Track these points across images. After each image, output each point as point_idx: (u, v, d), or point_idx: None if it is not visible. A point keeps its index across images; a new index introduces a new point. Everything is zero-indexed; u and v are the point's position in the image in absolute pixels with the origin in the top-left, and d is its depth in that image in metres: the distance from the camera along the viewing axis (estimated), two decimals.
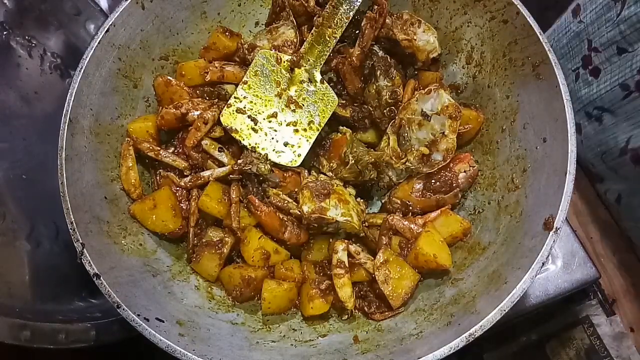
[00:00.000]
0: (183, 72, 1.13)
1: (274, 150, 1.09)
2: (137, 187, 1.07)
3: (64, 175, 0.95)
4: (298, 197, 1.04)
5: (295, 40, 1.14)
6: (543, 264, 0.86)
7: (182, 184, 1.08)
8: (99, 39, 1.03)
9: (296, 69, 1.10)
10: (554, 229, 0.88)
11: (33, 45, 1.33)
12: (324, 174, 1.12)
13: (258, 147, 1.09)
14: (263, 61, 1.11)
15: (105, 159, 1.05)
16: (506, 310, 0.84)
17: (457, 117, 1.04)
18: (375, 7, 1.08)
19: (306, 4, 1.12)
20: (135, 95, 1.13)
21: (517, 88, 1.07)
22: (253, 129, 1.10)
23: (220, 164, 1.09)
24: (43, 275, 1.21)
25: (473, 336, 0.83)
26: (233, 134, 1.09)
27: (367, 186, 1.18)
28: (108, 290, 0.88)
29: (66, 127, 0.97)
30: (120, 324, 1.17)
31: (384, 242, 1.05)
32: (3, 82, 1.27)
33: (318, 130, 1.10)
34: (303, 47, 1.10)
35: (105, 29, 1.04)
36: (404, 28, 1.11)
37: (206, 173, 1.08)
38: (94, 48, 1.02)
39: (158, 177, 1.12)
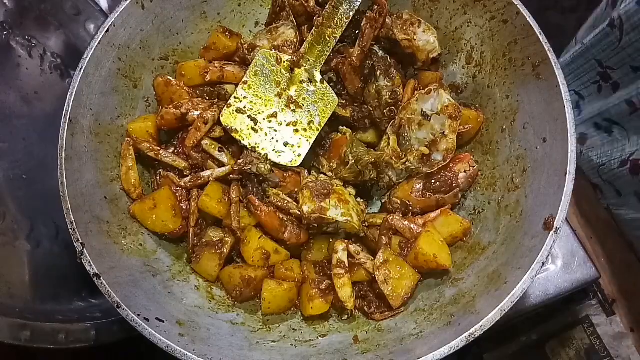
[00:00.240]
0: (183, 72, 1.13)
1: (274, 150, 1.09)
2: (137, 187, 1.07)
3: (64, 175, 0.95)
4: (298, 197, 1.04)
5: (295, 40, 1.14)
6: (543, 264, 0.86)
7: (182, 184, 1.08)
8: (99, 39, 1.03)
9: (296, 69, 1.10)
10: (554, 229, 0.88)
11: (33, 45, 1.33)
12: (324, 174, 1.12)
13: (258, 147, 1.09)
14: (263, 61, 1.11)
15: (105, 159, 1.05)
16: (506, 310, 0.84)
17: (457, 117, 1.04)
18: (375, 7, 1.08)
19: (306, 4, 1.12)
20: (135, 95, 1.13)
21: (517, 88, 1.07)
22: (253, 129, 1.10)
23: (220, 164, 1.09)
24: (43, 275, 1.21)
25: (473, 336, 0.83)
26: (233, 134, 1.09)
27: (367, 186, 1.18)
28: (108, 290, 0.88)
29: (66, 127, 0.97)
30: (120, 324, 1.17)
31: (384, 242, 1.05)
32: (3, 82, 1.27)
33: (318, 130, 1.10)
34: (303, 47, 1.10)
35: (105, 29, 1.04)
36: (404, 28, 1.11)
37: (206, 173, 1.08)
38: (94, 48, 1.02)
39: (158, 177, 1.12)
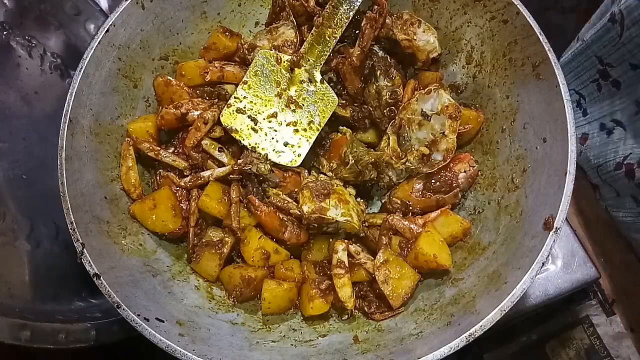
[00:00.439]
0: (183, 72, 1.13)
1: (274, 150, 1.09)
2: (137, 187, 1.07)
3: (64, 175, 0.95)
4: (298, 197, 1.04)
5: (295, 40, 1.14)
6: (543, 264, 0.86)
7: (182, 184, 1.08)
8: (99, 39, 1.03)
9: (296, 69, 1.10)
10: (554, 229, 0.88)
11: (33, 45, 1.33)
12: (324, 174, 1.12)
13: (258, 147, 1.09)
14: (263, 61, 1.11)
15: (105, 159, 1.05)
16: (506, 310, 0.84)
17: (457, 117, 1.04)
18: (375, 7, 1.08)
19: (306, 4, 1.12)
20: (135, 95, 1.13)
21: (517, 88, 1.07)
22: (253, 129, 1.10)
23: (220, 164, 1.09)
24: (43, 275, 1.21)
25: (473, 336, 0.83)
26: (233, 134, 1.09)
27: (367, 186, 1.18)
28: (108, 290, 0.88)
29: (66, 127, 0.97)
30: (120, 324, 1.17)
31: (384, 242, 1.05)
32: (3, 82, 1.27)
33: (318, 130, 1.10)
34: (303, 47, 1.10)
35: (105, 29, 1.04)
36: (404, 28, 1.11)
37: (206, 173, 1.08)
38: (94, 48, 1.02)
39: (158, 177, 1.12)
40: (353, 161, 1.07)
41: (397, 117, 1.11)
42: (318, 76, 1.10)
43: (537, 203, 0.96)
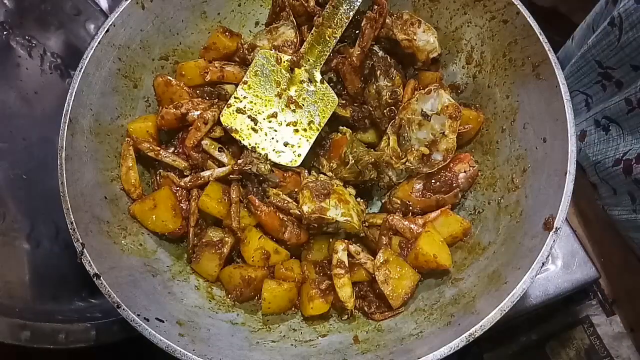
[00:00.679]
0: (183, 72, 1.13)
1: (274, 150, 1.09)
2: (137, 187, 1.07)
3: (64, 175, 0.95)
4: (298, 197, 1.04)
5: (295, 40, 1.14)
6: (543, 264, 0.86)
7: (182, 184, 1.08)
8: (99, 39, 1.03)
9: (296, 69, 1.10)
10: (554, 229, 0.88)
11: (33, 45, 1.33)
12: (324, 174, 1.12)
13: (258, 147, 1.09)
14: (263, 61, 1.11)
15: (105, 159, 1.05)
16: (506, 310, 0.84)
17: (457, 117, 1.04)
18: (375, 7, 1.08)
19: (306, 4, 1.12)
20: (135, 95, 1.13)
21: (517, 88, 1.07)
22: (253, 129, 1.10)
23: (220, 164, 1.09)
24: (43, 275, 1.21)
25: (473, 336, 0.83)
26: (233, 134, 1.09)
27: (367, 186, 1.18)
28: (108, 290, 0.88)
29: (66, 127, 0.97)
30: (120, 324, 1.17)
31: (384, 242, 1.05)
32: (3, 82, 1.27)
33: (318, 130, 1.10)
34: (303, 47, 1.10)
35: (105, 29, 1.04)
36: (404, 28, 1.11)
37: (206, 173, 1.08)
38: (94, 48, 1.02)
39: (158, 177, 1.12)
40: (353, 161, 1.08)
41: (397, 117, 1.11)
42: (318, 76, 1.10)
43: (537, 203, 0.96)
